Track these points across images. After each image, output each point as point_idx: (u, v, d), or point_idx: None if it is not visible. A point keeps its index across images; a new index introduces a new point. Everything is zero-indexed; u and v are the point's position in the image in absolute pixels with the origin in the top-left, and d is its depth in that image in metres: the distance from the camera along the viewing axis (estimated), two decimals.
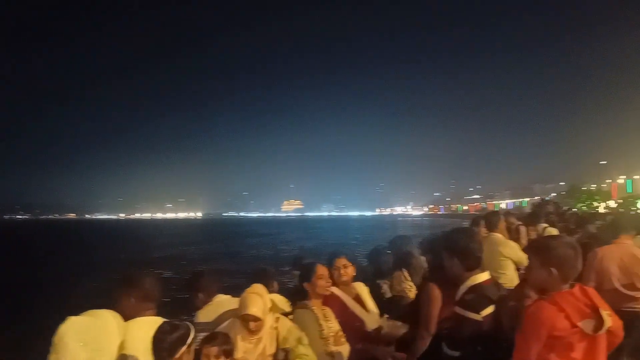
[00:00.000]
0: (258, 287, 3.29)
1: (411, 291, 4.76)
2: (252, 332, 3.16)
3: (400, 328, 4.03)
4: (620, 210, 66.01)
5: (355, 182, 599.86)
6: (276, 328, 3.28)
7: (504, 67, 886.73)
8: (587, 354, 2.36)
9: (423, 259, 5.17)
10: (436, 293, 3.52)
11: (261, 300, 3.18)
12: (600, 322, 2.31)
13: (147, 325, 2.81)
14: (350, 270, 4.20)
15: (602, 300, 2.45)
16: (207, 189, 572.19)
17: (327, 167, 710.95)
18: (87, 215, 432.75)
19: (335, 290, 4.00)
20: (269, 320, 3.24)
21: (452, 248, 3.38)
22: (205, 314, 3.64)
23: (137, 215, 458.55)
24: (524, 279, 3.21)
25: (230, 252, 41.72)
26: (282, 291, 4.13)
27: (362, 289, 4.24)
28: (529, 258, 2.64)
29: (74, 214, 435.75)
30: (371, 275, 5.11)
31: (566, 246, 2.52)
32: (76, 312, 2.67)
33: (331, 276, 4.01)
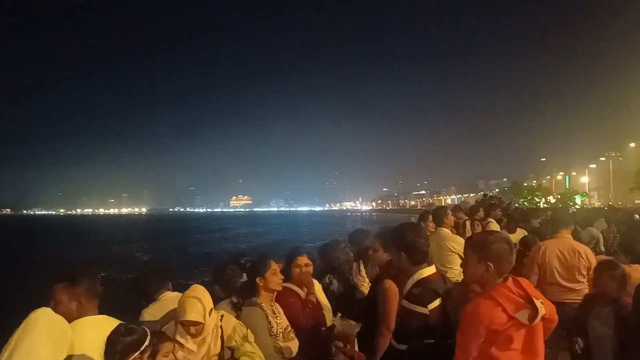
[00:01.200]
0: (197, 290, 3.16)
1: (364, 285, 4.78)
2: (195, 335, 3.08)
3: (353, 327, 4.03)
4: (559, 205, 69.30)
5: (304, 178, 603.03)
6: (220, 327, 3.20)
7: (451, 67, 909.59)
8: (526, 343, 2.43)
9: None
10: (393, 288, 3.54)
11: (200, 303, 3.06)
12: (535, 311, 2.38)
13: (96, 325, 2.73)
14: (311, 269, 4.13)
15: (535, 289, 2.53)
16: (152, 183, 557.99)
17: (277, 162, 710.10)
18: (24, 211, 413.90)
19: (292, 287, 3.97)
20: (213, 320, 3.15)
21: (399, 243, 3.44)
22: (152, 312, 3.55)
23: (78, 211, 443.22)
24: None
25: (178, 249, 40.96)
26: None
27: (317, 287, 4.22)
28: (466, 253, 2.69)
29: (10, 210, 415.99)
30: (322, 270, 5.10)
31: (502, 241, 2.59)
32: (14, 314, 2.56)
33: (291, 273, 4.00)
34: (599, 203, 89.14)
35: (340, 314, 4.23)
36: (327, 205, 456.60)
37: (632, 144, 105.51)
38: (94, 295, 2.90)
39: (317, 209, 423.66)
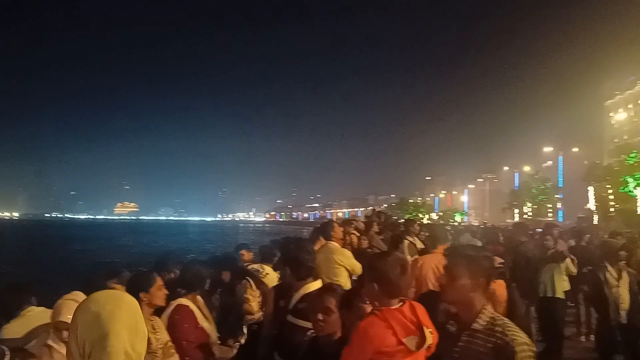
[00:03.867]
0: (77, 294, 3.02)
1: (255, 300, 4.76)
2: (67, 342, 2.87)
3: (229, 351, 4.01)
4: (440, 222, 74.00)
5: (196, 186, 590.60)
6: None
7: (342, 86, 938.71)
8: None
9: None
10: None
11: None
12: (423, 339, 2.42)
13: None
14: None
15: (428, 317, 2.56)
16: (27, 186, 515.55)
17: (166, 169, 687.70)
18: None
19: (186, 302, 3.86)
20: None
21: (283, 258, 3.47)
22: (14, 329, 3.24)
23: None
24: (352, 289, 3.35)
25: (53, 260, 37.99)
26: None
27: (202, 301, 4.13)
28: (363, 271, 2.74)
29: None
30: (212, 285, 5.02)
31: (389, 264, 2.57)
32: None
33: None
34: (476, 221, 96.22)
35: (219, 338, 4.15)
36: (219, 215, 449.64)
37: (506, 168, 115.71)
38: None
39: (209, 218, 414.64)
